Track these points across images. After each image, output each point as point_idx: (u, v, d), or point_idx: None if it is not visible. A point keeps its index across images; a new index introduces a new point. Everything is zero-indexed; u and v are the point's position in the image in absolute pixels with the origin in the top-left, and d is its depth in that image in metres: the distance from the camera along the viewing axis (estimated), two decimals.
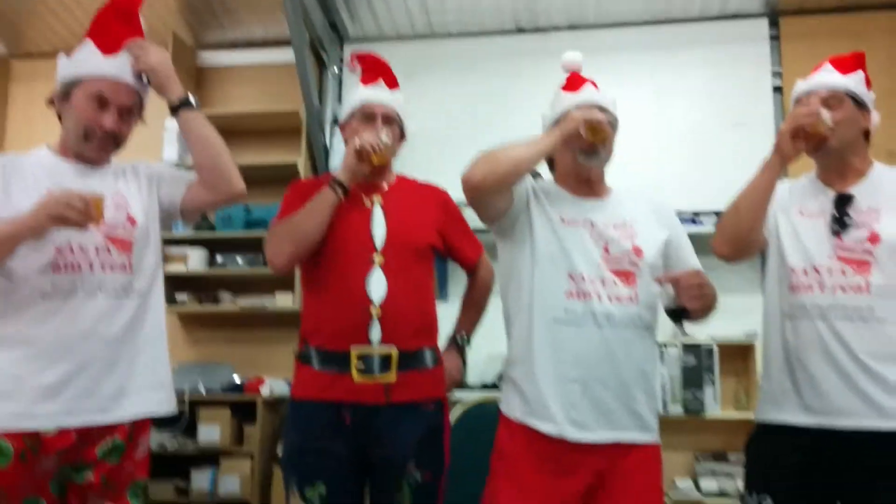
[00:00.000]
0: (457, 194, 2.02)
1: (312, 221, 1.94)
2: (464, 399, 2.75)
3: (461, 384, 3.49)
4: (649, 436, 1.82)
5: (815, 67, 1.93)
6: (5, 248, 1.65)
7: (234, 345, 4.01)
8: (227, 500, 3.44)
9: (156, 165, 1.98)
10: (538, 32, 4.07)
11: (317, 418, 1.92)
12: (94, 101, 1.78)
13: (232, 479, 3.47)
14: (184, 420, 3.52)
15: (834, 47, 2.09)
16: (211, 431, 3.54)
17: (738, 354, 3.62)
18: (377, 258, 1.95)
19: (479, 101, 3.88)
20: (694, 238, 1.98)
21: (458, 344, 2.17)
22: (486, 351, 2.20)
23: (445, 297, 3.68)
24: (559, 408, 1.76)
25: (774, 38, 3.89)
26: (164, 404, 1.86)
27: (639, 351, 1.81)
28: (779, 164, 1.85)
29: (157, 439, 3.46)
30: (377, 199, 2.04)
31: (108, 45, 1.81)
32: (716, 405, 3.50)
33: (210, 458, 3.53)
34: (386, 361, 1.91)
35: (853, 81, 1.87)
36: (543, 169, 1.98)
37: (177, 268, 3.83)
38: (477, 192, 1.79)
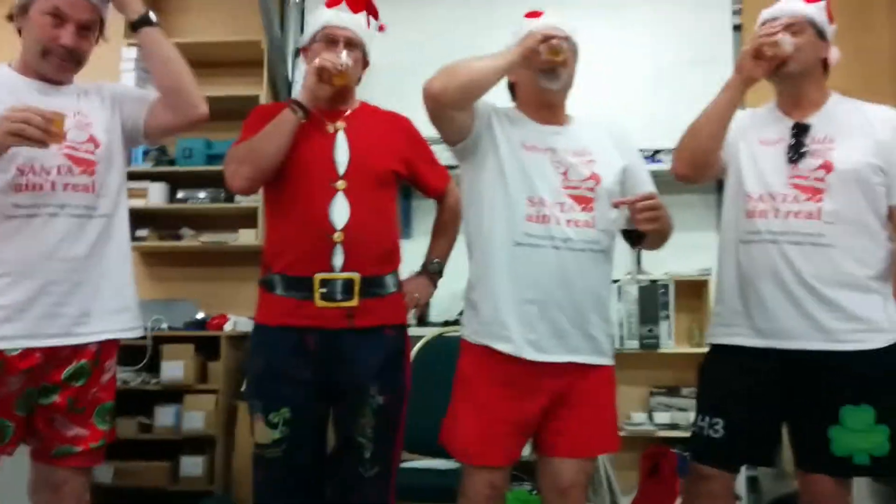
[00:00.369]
0: (424, 128, 2.03)
1: (271, 142, 1.92)
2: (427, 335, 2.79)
3: (424, 316, 3.57)
4: (604, 359, 1.89)
5: None
6: None
7: (197, 282, 3.98)
8: (191, 436, 3.47)
9: (119, 86, 1.96)
10: None
11: (281, 343, 1.94)
12: (50, 17, 1.75)
13: (196, 415, 3.47)
14: (147, 356, 3.51)
15: None
16: (174, 368, 3.53)
17: (692, 291, 3.71)
18: (340, 184, 1.95)
19: (444, 33, 3.80)
20: (654, 175, 2.01)
21: (430, 271, 2.17)
22: (450, 288, 2.22)
23: (409, 234, 3.70)
24: (517, 328, 1.81)
25: None
26: (130, 327, 1.87)
27: (594, 275, 1.86)
28: (739, 84, 1.89)
29: (120, 377, 3.43)
30: (340, 124, 2.03)
31: None
32: (670, 340, 3.61)
33: (174, 394, 3.54)
34: (348, 286, 1.93)
35: (815, 10, 1.92)
36: (507, 99, 2.00)
37: (136, 203, 3.74)
38: (437, 102, 1.80)
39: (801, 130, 1.90)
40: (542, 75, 1.87)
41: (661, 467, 3.30)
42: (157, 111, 1.89)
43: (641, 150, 2.08)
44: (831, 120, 1.90)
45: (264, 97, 3.79)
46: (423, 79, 1.81)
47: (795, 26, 1.89)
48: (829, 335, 1.81)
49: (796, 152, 1.88)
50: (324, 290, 1.92)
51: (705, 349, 2.06)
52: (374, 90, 2.24)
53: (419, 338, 2.70)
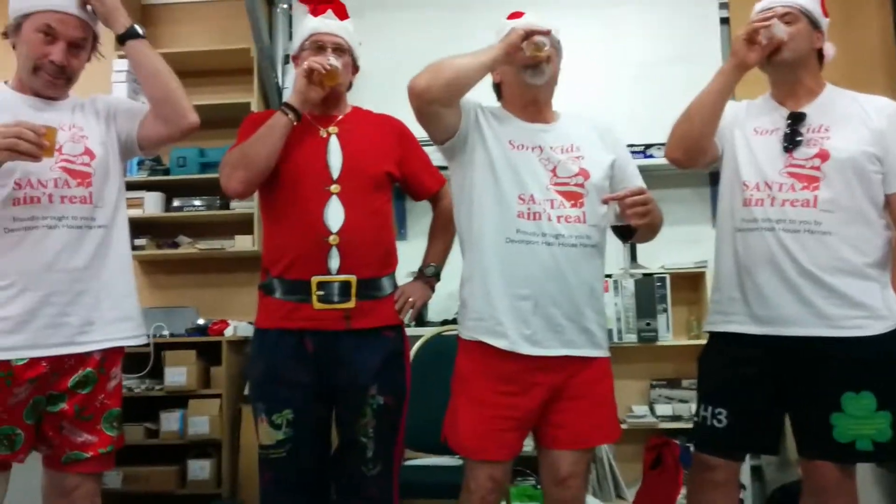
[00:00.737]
0: (417, 131, 2.04)
1: (264, 145, 1.95)
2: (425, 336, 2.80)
3: (422, 316, 3.59)
4: (600, 351, 1.90)
5: None
6: None
7: (196, 289, 4.00)
8: (197, 440, 3.50)
9: (113, 98, 1.98)
10: None
11: (281, 347, 1.97)
12: (42, 34, 1.77)
13: (201, 420, 3.51)
14: (150, 363, 3.54)
15: None
16: (178, 374, 3.56)
17: (688, 283, 3.72)
18: (334, 187, 1.98)
19: (430, 37, 3.79)
20: (644, 171, 2.02)
21: (426, 274, 2.17)
22: (447, 288, 2.23)
23: (405, 236, 3.72)
24: (511, 324, 1.83)
25: None
26: (132, 335, 1.90)
27: (587, 269, 1.88)
28: (733, 70, 1.91)
29: (125, 384, 3.46)
30: (333, 129, 2.05)
31: None
32: (668, 333, 3.62)
33: (178, 399, 3.57)
34: (345, 289, 1.95)
35: (809, 0, 1.93)
36: (493, 100, 2.02)
37: (133, 212, 3.76)
38: (421, 99, 1.81)
39: (796, 119, 1.91)
40: (526, 71, 1.88)
41: (665, 458, 3.31)
42: (148, 123, 1.91)
43: (634, 146, 2.10)
44: (827, 109, 1.91)
45: (255, 104, 3.80)
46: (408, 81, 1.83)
47: (789, 16, 1.91)
48: (828, 321, 1.82)
49: (792, 141, 1.89)
50: (321, 292, 1.94)
51: (704, 341, 2.07)
52: (365, 95, 2.27)
53: (418, 337, 2.72)
